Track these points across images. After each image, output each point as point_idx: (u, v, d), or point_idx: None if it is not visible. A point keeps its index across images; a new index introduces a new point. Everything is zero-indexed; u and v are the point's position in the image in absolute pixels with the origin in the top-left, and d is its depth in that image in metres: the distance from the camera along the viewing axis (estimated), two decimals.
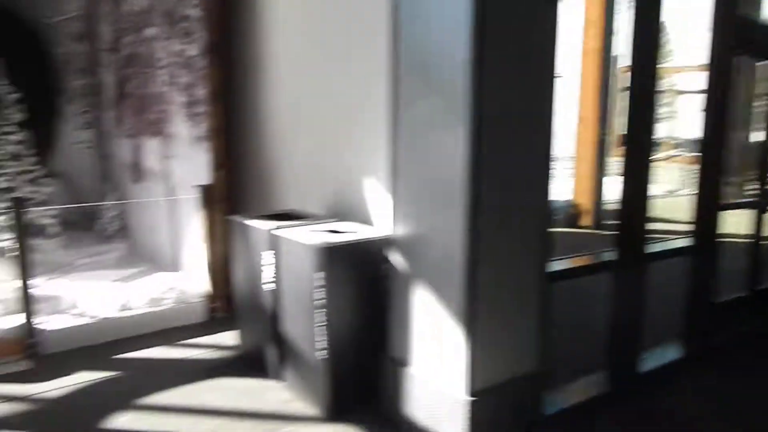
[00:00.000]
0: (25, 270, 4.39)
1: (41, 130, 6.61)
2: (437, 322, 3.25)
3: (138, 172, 6.60)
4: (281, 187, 5.06)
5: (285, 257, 3.82)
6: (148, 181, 6.40)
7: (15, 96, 5.95)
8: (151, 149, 6.21)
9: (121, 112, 6.87)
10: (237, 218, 4.29)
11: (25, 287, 4.41)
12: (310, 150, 4.67)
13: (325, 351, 3.55)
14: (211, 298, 5.28)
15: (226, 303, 5.30)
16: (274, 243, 3.88)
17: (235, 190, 5.38)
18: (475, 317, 3.13)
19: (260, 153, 5.29)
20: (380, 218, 3.89)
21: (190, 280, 5.46)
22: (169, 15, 5.50)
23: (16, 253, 4.42)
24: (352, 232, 3.81)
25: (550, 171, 3.40)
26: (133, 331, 4.88)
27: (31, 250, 4.58)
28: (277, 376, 4.09)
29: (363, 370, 3.71)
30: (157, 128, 6.00)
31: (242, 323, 4.52)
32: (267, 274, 4.00)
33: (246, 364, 4.37)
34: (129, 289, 5.33)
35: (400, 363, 3.52)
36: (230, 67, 5.24)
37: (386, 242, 3.62)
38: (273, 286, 3.97)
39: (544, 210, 3.43)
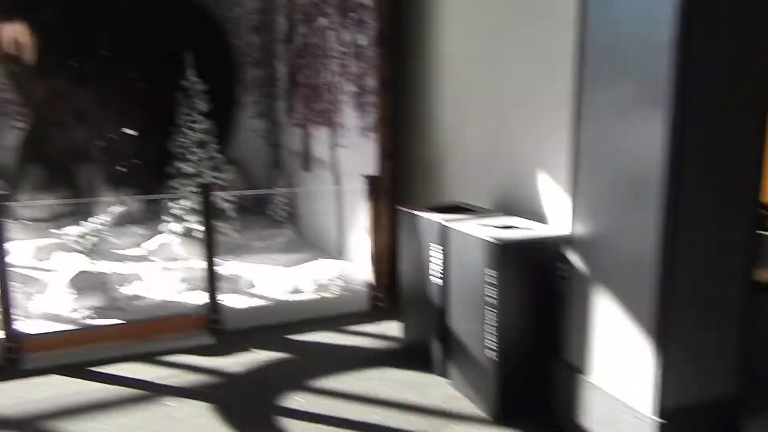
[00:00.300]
0: (211, 251, 4.72)
1: (221, 119, 7.08)
2: (622, 331, 2.99)
3: (307, 160, 6.86)
4: (448, 179, 4.99)
5: (456, 251, 3.73)
6: (317, 169, 6.62)
7: (201, 87, 6.41)
8: (320, 138, 6.41)
9: (292, 102, 7.17)
10: (406, 209, 4.27)
11: (211, 267, 4.73)
12: (479, 141, 4.54)
13: (495, 351, 3.42)
14: (375, 287, 5.34)
15: (389, 293, 5.35)
16: (445, 236, 3.81)
17: (400, 181, 5.40)
18: (667, 328, 2.83)
19: (427, 144, 5.24)
20: (556, 215, 3.66)
21: (355, 268, 5.58)
22: (341, 5, 5.61)
23: (203, 234, 4.76)
24: (526, 228, 3.63)
25: (761, 167, 2.99)
26: (302, 315, 5.07)
27: (216, 233, 4.90)
28: (441, 371, 4.03)
29: (534, 374, 3.53)
30: (327, 118, 6.17)
31: (406, 315, 4.51)
32: (435, 267, 3.94)
33: (409, 356, 4.36)
34: (298, 273, 5.55)
35: (577, 370, 3.30)
36: (400, 57, 5.23)
37: (564, 241, 3.40)
38: (441, 279, 3.90)
39: (751, 212, 3.03)
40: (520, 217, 3.89)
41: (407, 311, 4.49)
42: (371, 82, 5.20)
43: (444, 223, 3.82)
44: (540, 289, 3.48)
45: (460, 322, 3.77)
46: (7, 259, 4.24)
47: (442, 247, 3.85)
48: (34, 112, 7.60)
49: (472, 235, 3.52)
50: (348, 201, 5.89)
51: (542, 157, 3.75)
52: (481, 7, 4.43)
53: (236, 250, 6.41)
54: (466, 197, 4.55)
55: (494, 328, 3.39)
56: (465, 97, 4.70)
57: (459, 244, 3.68)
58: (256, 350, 4.48)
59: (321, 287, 5.33)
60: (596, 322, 3.17)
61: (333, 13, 5.78)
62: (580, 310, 3.26)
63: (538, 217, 3.79)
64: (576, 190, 3.28)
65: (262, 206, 7.76)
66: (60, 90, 6.96)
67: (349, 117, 5.66)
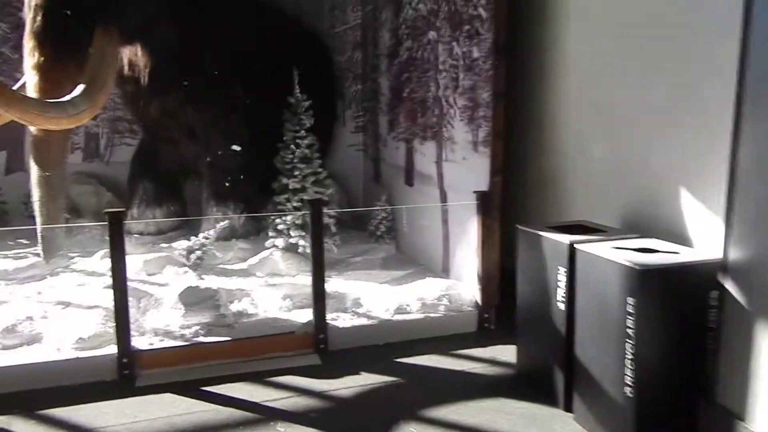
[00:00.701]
0: (320, 268, 4.62)
1: (322, 134, 7.05)
2: None
3: (410, 175, 6.70)
4: (567, 195, 4.67)
5: (586, 275, 3.42)
6: (420, 184, 6.45)
7: (306, 103, 6.39)
8: (425, 153, 6.24)
9: (395, 116, 7.05)
10: (527, 228, 3.99)
11: (319, 285, 4.64)
12: (605, 156, 4.21)
13: (632, 386, 3.08)
14: (483, 308, 5.09)
15: (498, 315, 5.08)
16: (573, 258, 3.51)
17: (513, 197, 5.12)
18: None
19: (543, 159, 4.95)
20: (703, 237, 3.29)
21: (462, 287, 5.33)
22: (452, 18, 5.43)
23: (312, 251, 4.68)
24: (669, 252, 3.27)
25: None
26: (408, 335, 4.89)
27: (324, 249, 4.79)
28: (564, 404, 3.72)
29: (677, 415, 3.17)
30: (433, 132, 5.99)
31: (523, 339, 4.22)
32: (560, 291, 3.64)
33: (526, 384, 4.07)
34: (402, 292, 5.37)
35: (734, 415, 2.91)
36: (515, 68, 4.98)
37: (716, 266, 3.03)
38: (566, 304, 3.60)
39: None
40: (657, 238, 3.53)
41: (524, 336, 4.19)
42: (484, 94, 4.97)
43: (573, 244, 3.52)
44: (686, 320, 3.12)
45: (589, 351, 3.45)
46: (125, 275, 4.31)
47: (568, 270, 3.56)
48: (146, 129, 7.88)
49: (607, 259, 3.21)
50: (455, 217, 5.66)
51: (686, 172, 3.39)
52: (616, 16, 4.11)
53: (336, 266, 6.32)
54: (589, 215, 4.22)
55: (632, 362, 3.06)
56: (590, 108, 4.39)
57: (590, 267, 3.37)
58: (364, 373, 4.32)
59: (427, 307, 5.12)
60: (760, 360, 2.78)
61: (444, 27, 5.61)
62: (739, 345, 2.88)
63: (680, 239, 3.42)
64: (733, 209, 2.91)
65: (361, 221, 7.67)
66: (171, 108, 7.15)
67: (458, 131, 5.45)
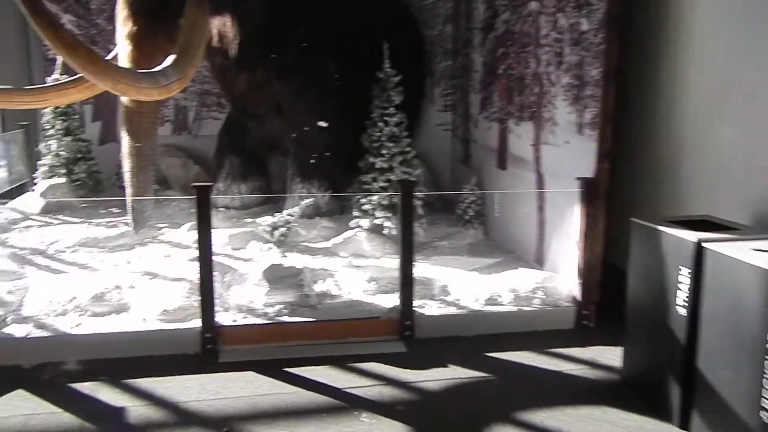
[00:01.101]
0: (408, 252, 4.39)
1: (409, 112, 6.76)
2: None
3: (503, 157, 6.33)
4: (686, 186, 4.21)
5: (716, 279, 3.01)
6: (514, 167, 6.07)
7: (396, 79, 6.12)
8: (521, 134, 5.85)
9: (488, 95, 6.68)
10: (644, 222, 3.58)
11: (407, 269, 4.41)
12: (738, 142, 3.74)
13: None
14: (582, 304, 4.71)
15: (599, 312, 4.70)
16: (699, 258, 3.10)
17: (620, 186, 4.69)
18: None
19: (658, 144, 4.49)
20: None
21: (559, 280, 4.96)
22: None
23: (401, 234, 4.45)
24: None
25: None
26: (499, 328, 4.61)
27: (414, 233, 4.55)
28: (679, 420, 3.33)
29: None
30: (531, 112, 5.60)
31: (631, 343, 3.82)
32: (681, 294, 3.24)
33: (633, 393, 3.70)
34: (493, 281, 5.06)
35: None
36: (631, 43, 4.51)
37: None
38: (689, 309, 3.20)
39: None
40: None
41: (633, 339, 3.80)
42: (593, 72, 4.54)
43: (701, 242, 3.11)
44: None
45: (716, 365, 3.05)
46: (211, 250, 4.22)
47: (693, 272, 3.15)
48: (233, 103, 7.83)
49: (746, 262, 2.79)
50: (553, 204, 5.27)
51: None
52: None
53: (421, 249, 6.05)
54: (714, 210, 3.76)
55: None
56: (719, 89, 3.91)
57: (723, 270, 2.96)
58: (451, 365, 4.08)
59: (520, 299, 4.79)
60: None
61: None
62: None
63: None
64: None
65: (447, 203, 7.36)
66: (259, 82, 7.04)
67: (561, 111, 5.04)
